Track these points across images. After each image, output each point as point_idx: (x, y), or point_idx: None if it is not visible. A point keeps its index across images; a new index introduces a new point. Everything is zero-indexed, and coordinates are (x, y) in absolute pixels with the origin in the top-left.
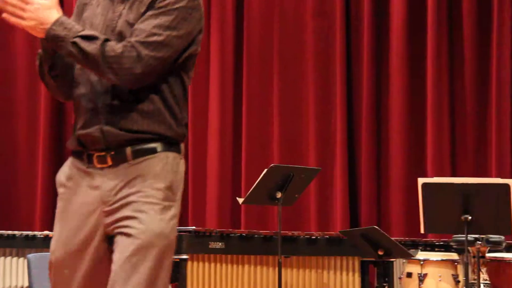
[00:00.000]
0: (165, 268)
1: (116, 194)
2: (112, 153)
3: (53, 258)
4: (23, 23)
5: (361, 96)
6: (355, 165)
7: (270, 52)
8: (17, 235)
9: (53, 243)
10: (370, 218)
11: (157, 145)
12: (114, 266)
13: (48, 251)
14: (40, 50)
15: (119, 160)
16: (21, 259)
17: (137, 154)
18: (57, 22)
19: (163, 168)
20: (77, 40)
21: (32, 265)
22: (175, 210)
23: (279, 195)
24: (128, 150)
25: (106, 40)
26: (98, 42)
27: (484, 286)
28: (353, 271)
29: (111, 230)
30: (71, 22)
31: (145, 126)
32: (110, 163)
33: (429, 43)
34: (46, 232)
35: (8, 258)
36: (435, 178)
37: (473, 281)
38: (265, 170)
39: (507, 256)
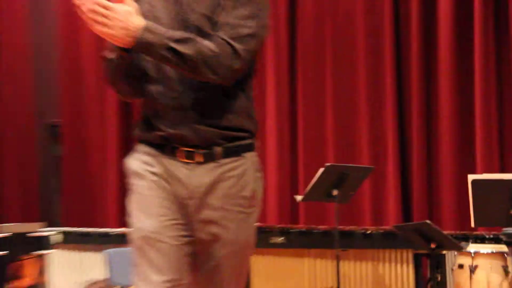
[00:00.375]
0: (246, 270)
1: (203, 192)
2: (202, 150)
3: (144, 234)
4: (109, 31)
5: (411, 94)
6: (406, 162)
7: (323, 53)
8: (93, 233)
9: (141, 221)
10: (422, 213)
11: (244, 144)
12: (202, 271)
13: (122, 247)
14: (105, 56)
15: (208, 158)
16: (97, 253)
17: (226, 154)
18: (145, 28)
19: (249, 173)
20: (172, 44)
21: (111, 259)
22: (256, 213)
23: (335, 192)
24: (219, 149)
25: (198, 39)
26: (194, 43)
27: None
28: (407, 263)
29: (198, 228)
30: (156, 25)
31: (235, 122)
32: (199, 159)
33: (476, 41)
34: (121, 229)
35: (86, 253)
36: (484, 175)
37: None
38: (321, 169)
39: None
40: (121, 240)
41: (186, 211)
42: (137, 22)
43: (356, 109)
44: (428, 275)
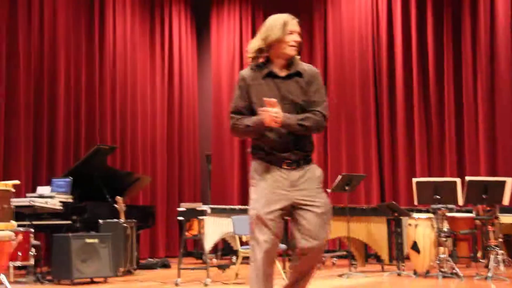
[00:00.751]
0: (330, 223)
1: (297, 181)
2: (295, 162)
3: (259, 214)
4: (276, 121)
5: (383, 136)
6: (381, 171)
7: (339, 114)
8: (226, 208)
9: (258, 206)
10: (391, 197)
11: (310, 158)
12: (312, 221)
13: (241, 215)
14: (247, 124)
15: (297, 165)
16: (228, 218)
17: (305, 163)
18: (285, 117)
19: (318, 172)
20: (300, 122)
21: (235, 221)
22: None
23: (347, 187)
24: (302, 161)
25: (309, 114)
26: (309, 118)
27: (446, 229)
28: (383, 223)
29: (299, 201)
30: (288, 114)
31: (309, 148)
32: (293, 167)
33: (415, 102)
34: (240, 206)
35: (222, 218)
36: (421, 178)
37: (440, 227)
38: (340, 176)
39: (456, 215)
40: (240, 211)
41: (288, 194)
42: (283, 114)
43: (356, 144)
44: (393, 229)
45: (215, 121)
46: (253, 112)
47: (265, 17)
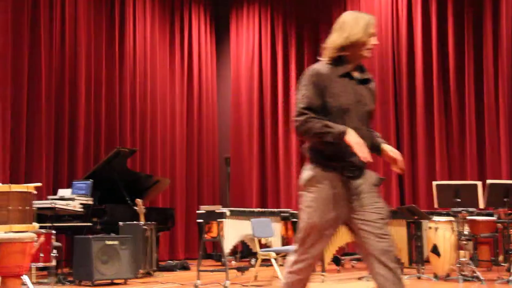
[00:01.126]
0: None
1: (357, 189)
2: (357, 170)
3: (316, 224)
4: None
5: (402, 139)
6: (401, 174)
7: None
8: (246, 210)
9: (316, 216)
10: (411, 200)
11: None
12: (376, 221)
13: (259, 218)
14: (325, 123)
15: (359, 173)
16: (247, 221)
17: (363, 170)
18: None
19: (374, 176)
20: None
21: (254, 224)
22: None
23: None
24: (362, 168)
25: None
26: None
27: (467, 233)
28: (403, 226)
29: (358, 209)
30: (382, 140)
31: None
32: (354, 174)
33: (435, 105)
34: (258, 209)
35: (241, 221)
36: (442, 181)
37: (461, 230)
38: None
39: (477, 218)
40: (259, 214)
41: (349, 203)
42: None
43: None
44: (413, 232)
45: (234, 124)
46: (325, 110)
47: (284, 21)
